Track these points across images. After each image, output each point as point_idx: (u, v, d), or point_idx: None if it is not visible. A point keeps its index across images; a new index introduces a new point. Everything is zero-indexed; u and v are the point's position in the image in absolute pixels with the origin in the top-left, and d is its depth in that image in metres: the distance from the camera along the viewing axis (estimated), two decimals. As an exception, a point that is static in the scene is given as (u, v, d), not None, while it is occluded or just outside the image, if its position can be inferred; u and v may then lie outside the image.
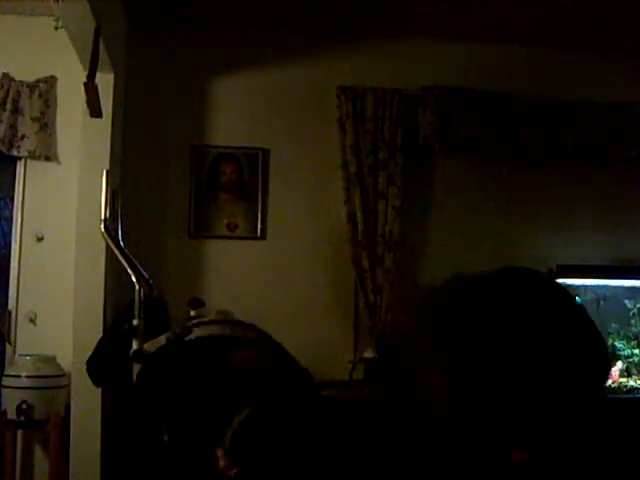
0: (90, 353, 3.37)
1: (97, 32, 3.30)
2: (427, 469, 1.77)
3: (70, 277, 3.78)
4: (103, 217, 3.63)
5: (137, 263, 3.29)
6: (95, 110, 3.44)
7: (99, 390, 3.56)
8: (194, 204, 4.21)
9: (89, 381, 3.37)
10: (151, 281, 3.03)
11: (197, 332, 1.97)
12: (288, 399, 1.91)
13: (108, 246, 3.60)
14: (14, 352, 3.96)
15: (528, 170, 4.38)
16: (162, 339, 2.39)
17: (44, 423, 3.66)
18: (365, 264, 4.16)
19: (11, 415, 3.63)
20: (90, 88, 3.30)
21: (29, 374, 3.66)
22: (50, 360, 3.76)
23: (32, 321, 3.98)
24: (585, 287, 4.15)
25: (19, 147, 3.98)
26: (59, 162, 4.06)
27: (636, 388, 3.92)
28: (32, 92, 4.01)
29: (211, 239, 4.23)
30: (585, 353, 1.55)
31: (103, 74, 3.63)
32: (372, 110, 4.25)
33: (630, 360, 4.09)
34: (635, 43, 4.20)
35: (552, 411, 1.40)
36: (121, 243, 3.48)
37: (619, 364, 4.02)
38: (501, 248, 4.16)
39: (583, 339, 1.45)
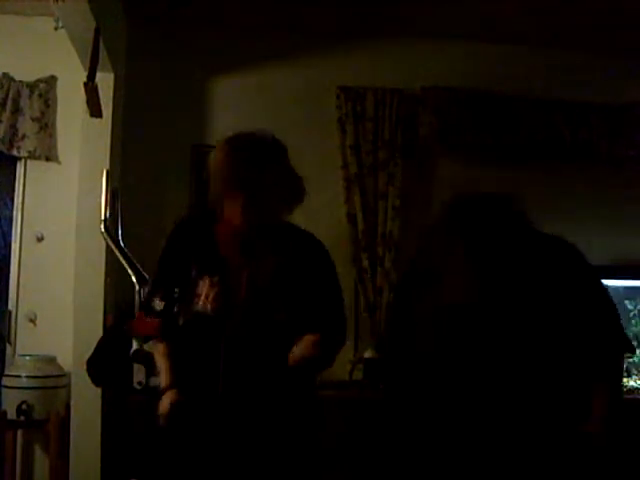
0: (90, 353, 3.37)
1: (97, 32, 3.30)
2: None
3: (70, 277, 3.78)
4: (103, 217, 3.64)
5: (137, 263, 3.30)
6: (95, 110, 3.44)
7: (99, 390, 3.56)
8: (194, 204, 4.20)
9: (89, 381, 3.38)
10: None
11: None
12: None
13: (108, 246, 3.60)
14: (14, 352, 3.96)
15: (527, 170, 4.37)
16: None
17: (44, 423, 3.66)
18: (365, 264, 4.16)
19: (11, 415, 3.63)
20: (90, 88, 3.30)
21: (29, 374, 3.66)
22: (50, 360, 3.76)
23: (32, 321, 3.98)
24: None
25: (19, 147, 3.98)
26: (59, 162, 4.06)
27: (636, 388, 3.92)
28: (32, 92, 4.01)
29: (211, 239, 4.22)
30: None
31: (103, 74, 3.63)
32: (372, 110, 4.25)
33: (630, 360, 4.09)
34: (635, 43, 4.20)
35: None
36: (121, 243, 3.49)
37: (619, 364, 4.01)
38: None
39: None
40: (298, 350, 2.16)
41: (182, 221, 2.40)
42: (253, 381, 2.17)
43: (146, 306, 2.28)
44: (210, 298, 2.14)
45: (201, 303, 2.15)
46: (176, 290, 2.21)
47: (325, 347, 2.21)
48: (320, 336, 2.18)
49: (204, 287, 2.16)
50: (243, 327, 2.17)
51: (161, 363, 2.28)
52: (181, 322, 2.21)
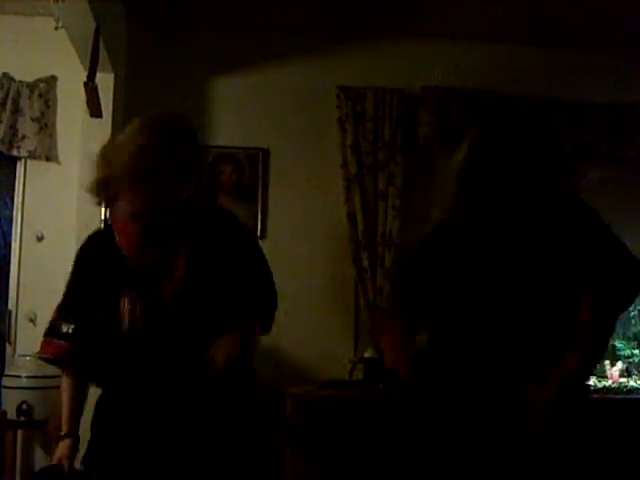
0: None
1: (97, 32, 3.31)
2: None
3: (70, 277, 3.77)
4: (103, 217, 3.64)
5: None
6: (95, 110, 3.45)
7: (99, 390, 3.55)
8: (194, 204, 4.20)
9: (89, 381, 3.37)
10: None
11: None
12: None
13: (108, 246, 3.60)
14: (14, 352, 3.96)
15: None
16: None
17: (44, 423, 3.66)
18: (365, 264, 4.16)
19: (11, 415, 3.63)
20: (90, 88, 3.31)
21: (29, 374, 3.66)
22: (50, 360, 3.76)
23: (32, 321, 3.98)
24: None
25: (19, 147, 3.98)
26: (59, 162, 4.06)
27: (636, 388, 3.92)
28: (32, 92, 4.02)
29: (211, 239, 4.22)
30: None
31: (103, 74, 3.63)
32: (372, 110, 4.24)
33: (630, 360, 4.09)
34: (635, 43, 4.20)
35: None
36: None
37: (619, 364, 4.02)
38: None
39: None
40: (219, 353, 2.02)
41: (85, 242, 2.24)
42: (200, 392, 2.06)
43: (52, 328, 2.12)
44: (136, 315, 2.01)
45: (128, 322, 2.02)
46: (97, 314, 2.07)
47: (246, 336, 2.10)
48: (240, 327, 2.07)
49: (126, 305, 2.02)
50: (177, 339, 2.05)
51: (65, 401, 2.18)
52: (107, 346, 2.08)
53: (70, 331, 2.08)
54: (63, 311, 2.14)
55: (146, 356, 2.06)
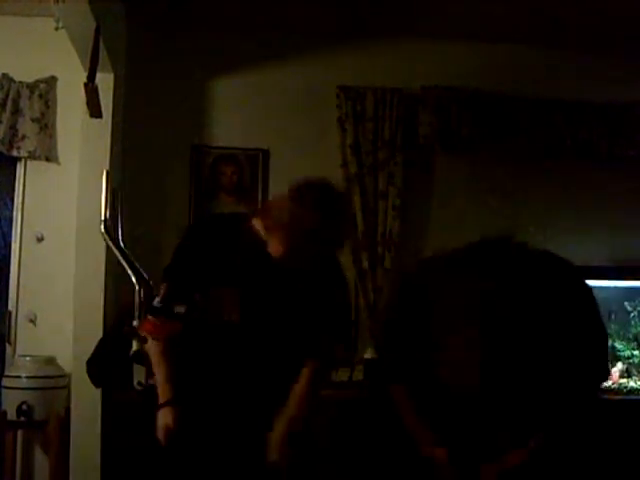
0: (90, 354, 3.38)
1: (97, 32, 3.31)
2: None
3: (70, 277, 3.78)
4: (103, 217, 3.63)
5: (137, 263, 3.30)
6: (95, 110, 3.44)
7: (99, 391, 3.56)
8: (194, 204, 4.20)
9: (89, 382, 3.38)
10: (151, 282, 3.02)
11: None
12: None
13: (108, 246, 3.60)
14: (14, 352, 3.96)
15: (527, 170, 4.38)
16: None
17: (44, 424, 3.66)
18: (365, 264, 4.16)
19: (11, 416, 3.63)
20: (90, 88, 3.31)
21: (29, 375, 3.66)
22: (50, 361, 3.76)
23: (32, 321, 3.98)
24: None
25: (19, 148, 3.98)
26: (59, 162, 4.06)
27: (636, 389, 3.91)
28: (32, 93, 4.01)
29: (211, 239, 4.22)
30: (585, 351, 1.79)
31: (103, 74, 3.63)
32: (372, 110, 4.25)
33: (630, 361, 4.09)
34: (635, 43, 4.20)
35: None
36: (121, 243, 3.48)
37: (619, 365, 4.02)
38: (501, 248, 4.15)
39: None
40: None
41: (203, 225, 2.33)
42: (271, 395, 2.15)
43: (166, 310, 2.15)
44: (234, 309, 2.10)
45: (225, 313, 2.11)
46: (197, 298, 2.15)
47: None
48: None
49: (227, 297, 2.11)
50: (266, 341, 2.14)
51: (160, 367, 2.15)
52: (200, 330, 2.16)
53: (183, 311, 2.11)
54: (177, 291, 2.18)
55: (232, 350, 2.13)
